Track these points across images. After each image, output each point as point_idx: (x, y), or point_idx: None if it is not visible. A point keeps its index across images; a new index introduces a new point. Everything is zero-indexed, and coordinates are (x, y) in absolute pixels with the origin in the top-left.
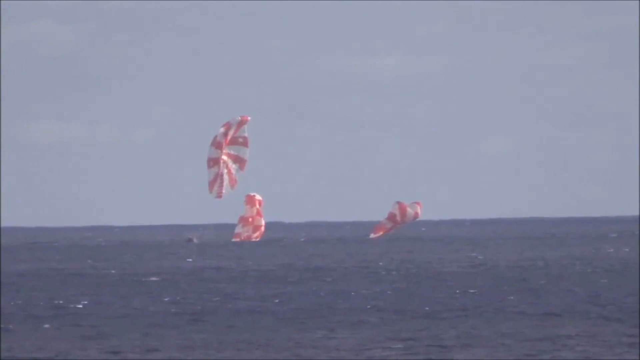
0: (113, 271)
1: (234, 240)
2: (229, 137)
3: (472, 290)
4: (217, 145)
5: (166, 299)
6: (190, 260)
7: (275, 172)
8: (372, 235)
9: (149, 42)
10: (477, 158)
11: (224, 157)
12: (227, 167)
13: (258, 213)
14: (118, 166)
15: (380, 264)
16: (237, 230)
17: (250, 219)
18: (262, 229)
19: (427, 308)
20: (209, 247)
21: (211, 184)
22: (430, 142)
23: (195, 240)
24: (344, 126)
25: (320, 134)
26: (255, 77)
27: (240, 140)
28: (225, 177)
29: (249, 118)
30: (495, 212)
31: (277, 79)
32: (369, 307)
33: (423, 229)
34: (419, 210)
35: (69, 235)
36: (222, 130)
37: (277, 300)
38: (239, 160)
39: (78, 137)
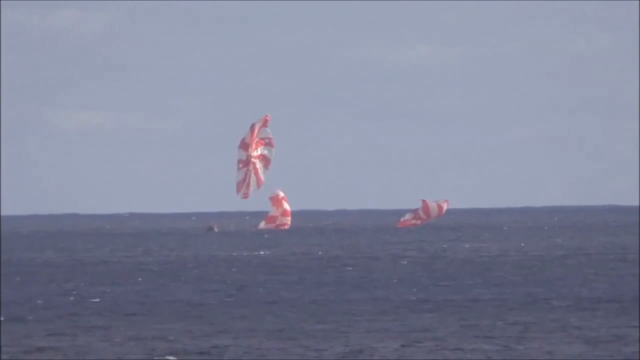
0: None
1: (257, 228)
2: (255, 138)
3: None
4: (244, 147)
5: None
6: (213, 248)
7: (303, 160)
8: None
9: (175, 32)
10: (504, 147)
11: (254, 160)
12: (254, 167)
13: (284, 213)
14: (143, 155)
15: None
16: (261, 225)
17: (276, 219)
18: (286, 226)
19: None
20: (230, 236)
21: (239, 185)
22: (457, 131)
23: (215, 229)
24: (371, 115)
25: (347, 123)
26: (283, 67)
27: (267, 140)
28: (253, 177)
29: (270, 117)
30: (521, 201)
31: (305, 69)
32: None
33: (452, 216)
34: (444, 207)
35: (93, 223)
36: (248, 132)
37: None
38: (265, 160)
39: (104, 126)
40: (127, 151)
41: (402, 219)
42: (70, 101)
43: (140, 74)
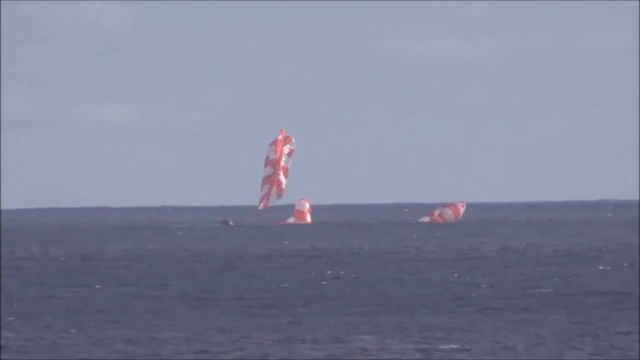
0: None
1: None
2: (282, 157)
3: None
4: (271, 164)
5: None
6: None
7: (331, 153)
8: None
9: (201, 25)
10: (531, 140)
11: (279, 177)
12: (278, 181)
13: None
14: (167, 148)
15: (425, 248)
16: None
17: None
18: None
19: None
20: (245, 230)
21: (262, 198)
22: (485, 123)
23: (231, 223)
24: (399, 108)
25: (374, 116)
26: (312, 59)
27: (287, 152)
28: (275, 191)
29: (284, 131)
30: (548, 194)
31: (334, 61)
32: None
33: (479, 212)
34: (460, 210)
35: (115, 217)
36: (273, 149)
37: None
38: (286, 171)
39: (129, 119)
40: (152, 143)
41: (420, 220)
42: (94, 93)
43: (165, 66)
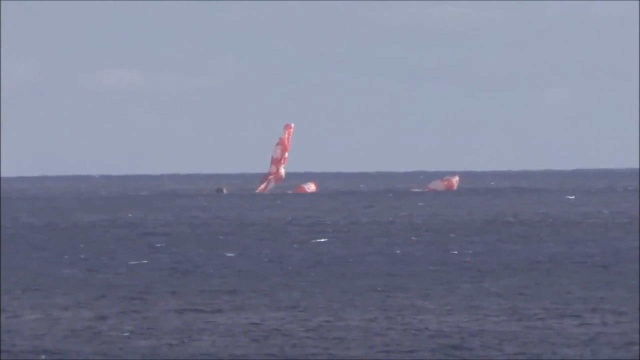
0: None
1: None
2: (286, 155)
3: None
4: (276, 162)
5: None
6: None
7: (334, 123)
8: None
9: None
10: (541, 109)
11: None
12: (278, 172)
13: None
14: (178, 115)
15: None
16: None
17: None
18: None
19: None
20: (238, 198)
21: (261, 184)
22: (494, 92)
23: (225, 191)
24: (407, 76)
25: (381, 85)
26: (322, 28)
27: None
28: (272, 180)
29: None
30: (558, 163)
31: (343, 28)
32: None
33: (492, 183)
34: (454, 184)
35: (123, 185)
36: (279, 148)
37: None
38: (284, 160)
39: (140, 85)
40: (162, 110)
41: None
42: (103, 60)
43: (176, 34)
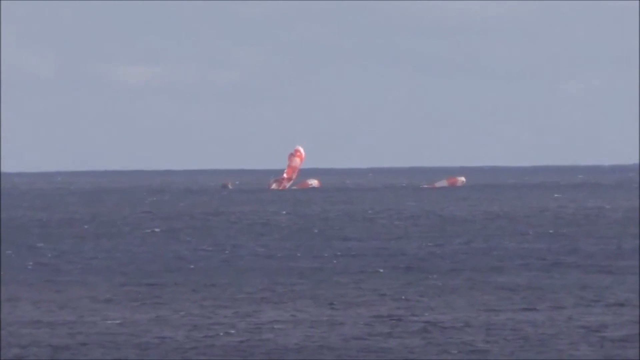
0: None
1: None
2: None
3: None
4: (291, 170)
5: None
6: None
7: (353, 114)
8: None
9: None
10: (558, 100)
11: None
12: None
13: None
14: (196, 109)
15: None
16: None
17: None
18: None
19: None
20: (243, 194)
21: (273, 183)
22: (512, 84)
23: (230, 186)
24: (425, 68)
25: (401, 77)
26: (339, 19)
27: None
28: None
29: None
30: (575, 157)
31: (361, 20)
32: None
33: (511, 180)
34: (458, 183)
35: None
36: (296, 159)
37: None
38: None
39: (159, 79)
40: (182, 103)
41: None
42: (124, 55)
43: (198, 28)
